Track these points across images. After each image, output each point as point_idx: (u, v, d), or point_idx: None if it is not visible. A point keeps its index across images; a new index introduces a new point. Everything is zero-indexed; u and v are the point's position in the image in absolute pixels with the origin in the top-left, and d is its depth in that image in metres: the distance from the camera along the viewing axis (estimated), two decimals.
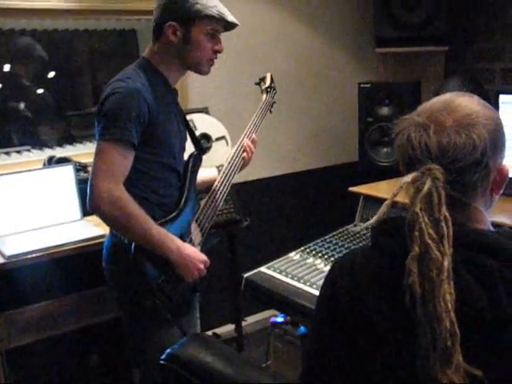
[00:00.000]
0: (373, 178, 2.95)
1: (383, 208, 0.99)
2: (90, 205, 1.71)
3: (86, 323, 2.39)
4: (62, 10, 2.71)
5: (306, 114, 3.67)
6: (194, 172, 2.02)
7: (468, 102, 1.01)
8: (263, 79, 2.42)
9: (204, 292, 2.13)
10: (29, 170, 2.54)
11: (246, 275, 2.23)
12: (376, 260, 1.01)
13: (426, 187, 0.92)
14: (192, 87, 3.15)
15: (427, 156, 0.96)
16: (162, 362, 1.05)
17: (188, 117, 2.92)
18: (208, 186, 2.10)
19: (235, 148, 2.14)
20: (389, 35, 3.28)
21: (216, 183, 2.06)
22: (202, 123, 2.91)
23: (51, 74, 3.24)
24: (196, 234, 1.95)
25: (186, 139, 2.07)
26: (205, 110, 3.05)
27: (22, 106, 3.18)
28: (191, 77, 3.05)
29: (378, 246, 1.02)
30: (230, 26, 1.92)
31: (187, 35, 1.81)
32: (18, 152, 2.94)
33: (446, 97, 1.03)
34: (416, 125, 0.99)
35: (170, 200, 1.90)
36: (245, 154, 2.13)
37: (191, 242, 1.91)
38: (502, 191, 1.06)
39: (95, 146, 1.74)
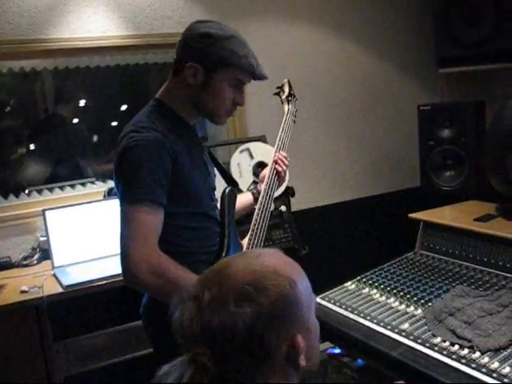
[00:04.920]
0: (436, 203, 2.83)
1: None
2: (126, 278, 1.51)
3: (141, 353, 2.40)
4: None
5: (365, 140, 3.60)
6: (232, 210, 1.84)
7: None
8: (281, 87, 2.21)
9: None
10: (88, 202, 2.63)
11: None
12: None
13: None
14: (250, 115, 3.16)
15: None
16: None
17: (244, 146, 2.94)
18: (244, 213, 1.99)
19: (266, 174, 1.98)
20: (451, 55, 3.15)
21: (255, 217, 1.87)
22: (258, 151, 2.91)
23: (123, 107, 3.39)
24: None
25: (214, 178, 1.87)
26: (262, 138, 3.05)
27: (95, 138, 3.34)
28: (249, 105, 3.09)
29: None
30: (258, 78, 1.70)
31: (208, 81, 1.61)
32: (83, 184, 3.05)
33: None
34: None
35: (212, 249, 1.73)
36: (277, 166, 1.97)
37: None
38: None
39: (119, 210, 1.55)
